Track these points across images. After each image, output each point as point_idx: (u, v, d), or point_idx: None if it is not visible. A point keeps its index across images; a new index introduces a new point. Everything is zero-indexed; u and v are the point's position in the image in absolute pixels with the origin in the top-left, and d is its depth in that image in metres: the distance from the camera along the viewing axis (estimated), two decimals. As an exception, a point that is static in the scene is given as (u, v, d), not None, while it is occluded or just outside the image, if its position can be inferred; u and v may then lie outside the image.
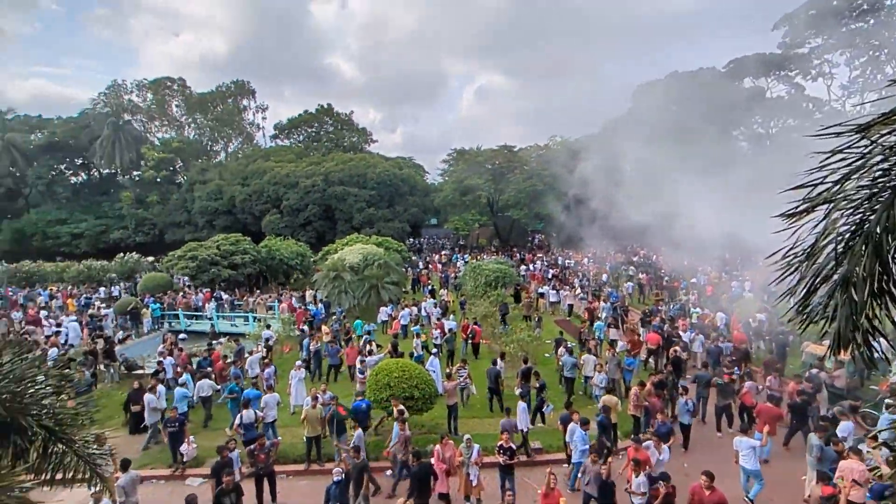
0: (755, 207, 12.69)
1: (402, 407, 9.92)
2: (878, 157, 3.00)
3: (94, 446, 4.10)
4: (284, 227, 38.90)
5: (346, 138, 58.75)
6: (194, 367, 13.91)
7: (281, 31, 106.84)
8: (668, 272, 26.17)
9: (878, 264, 2.96)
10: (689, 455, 10.30)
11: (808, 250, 3.28)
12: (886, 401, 9.69)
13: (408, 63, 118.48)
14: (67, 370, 11.93)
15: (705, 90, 33.35)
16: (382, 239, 29.68)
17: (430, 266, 34.82)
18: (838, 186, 3.10)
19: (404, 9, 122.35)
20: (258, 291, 26.07)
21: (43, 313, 21.52)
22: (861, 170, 3.03)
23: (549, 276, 27.83)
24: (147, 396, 11.41)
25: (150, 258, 35.71)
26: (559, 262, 32.92)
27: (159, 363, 14.26)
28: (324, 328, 17.24)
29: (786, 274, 3.42)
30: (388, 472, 9.83)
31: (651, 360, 14.91)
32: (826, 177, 3.15)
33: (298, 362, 13.61)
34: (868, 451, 7.54)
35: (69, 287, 28.74)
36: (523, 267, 30.77)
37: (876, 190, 3.01)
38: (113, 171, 50.66)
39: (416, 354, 14.55)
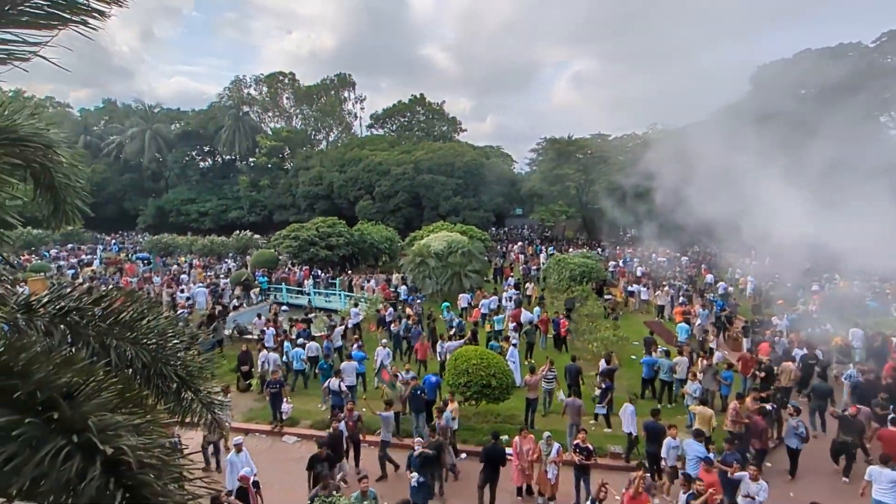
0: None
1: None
2: None
3: (218, 397, 4.78)
4: (376, 212, 40.93)
5: (436, 127, 59.92)
6: (294, 336, 15.40)
7: (381, 24, 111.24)
8: (781, 277, 23.14)
9: None
10: (796, 483, 9.21)
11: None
12: None
13: (501, 52, 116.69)
14: (197, 330, 13.90)
15: (847, 69, 28.66)
16: (467, 227, 30.01)
17: (511, 257, 34.50)
18: None
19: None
20: (350, 272, 27.89)
21: (184, 277, 25.17)
22: None
23: (640, 273, 26.19)
24: (271, 356, 13.20)
25: (257, 236, 39.80)
26: (653, 260, 30.77)
27: (262, 332, 15.99)
28: (408, 310, 18.02)
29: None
30: (464, 455, 10.09)
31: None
32: None
33: (384, 340, 14.43)
34: None
35: (198, 258, 33.10)
36: (612, 262, 29.26)
37: None
38: (232, 157, 56.96)
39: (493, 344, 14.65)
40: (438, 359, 13.71)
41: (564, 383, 12.24)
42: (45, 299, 4.01)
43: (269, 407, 11.69)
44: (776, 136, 20.27)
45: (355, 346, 14.15)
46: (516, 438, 8.70)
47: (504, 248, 38.25)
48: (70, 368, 2.79)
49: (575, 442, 8.61)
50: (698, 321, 17.08)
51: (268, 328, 16.05)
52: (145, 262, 31.16)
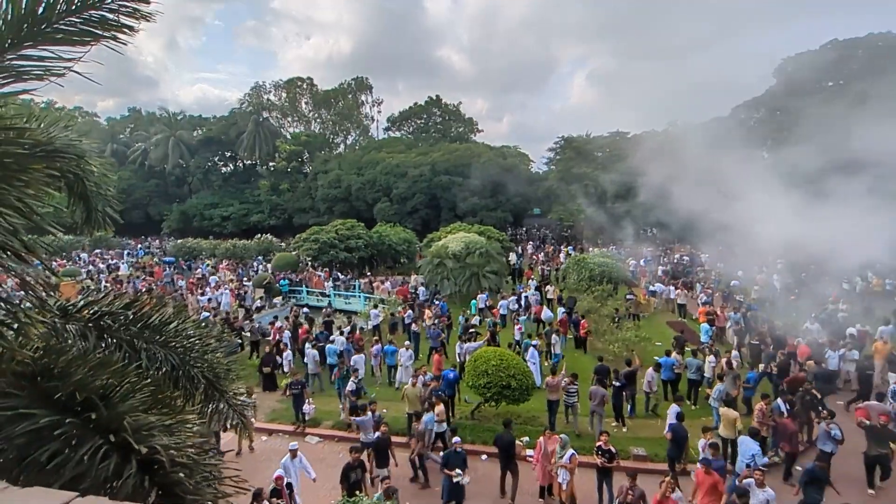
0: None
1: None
2: None
3: (243, 398, 4.89)
4: (394, 214, 41.17)
5: (452, 128, 59.96)
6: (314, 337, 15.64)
7: (397, 28, 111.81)
8: (809, 275, 22.38)
9: None
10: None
11: None
12: None
13: (517, 51, 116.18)
14: (223, 332, 14.22)
15: (879, 58, 27.63)
16: (484, 228, 29.97)
17: (528, 257, 34.26)
18: None
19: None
20: (369, 273, 28.12)
21: (213, 279, 25.88)
22: None
23: (661, 272, 25.73)
24: (310, 352, 13.66)
25: (277, 240, 40.45)
26: (678, 260, 30.21)
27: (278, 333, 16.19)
28: (427, 312, 18.07)
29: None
30: (484, 457, 10.07)
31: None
32: None
33: (407, 342, 14.53)
34: None
35: (224, 262, 33.79)
36: (632, 262, 28.81)
37: None
38: (253, 162, 58.05)
39: (522, 341, 14.57)
40: (458, 360, 13.72)
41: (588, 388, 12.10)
42: (80, 304, 4.17)
43: (292, 408, 11.89)
44: (804, 128, 19.70)
45: (375, 346, 14.33)
46: (540, 439, 8.65)
47: (520, 249, 38.03)
48: (105, 371, 2.91)
49: (597, 444, 8.51)
50: (728, 324, 16.59)
51: (283, 331, 16.23)
52: (170, 265, 32.02)
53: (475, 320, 17.20)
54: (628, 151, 40.01)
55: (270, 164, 55.65)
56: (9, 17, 2.68)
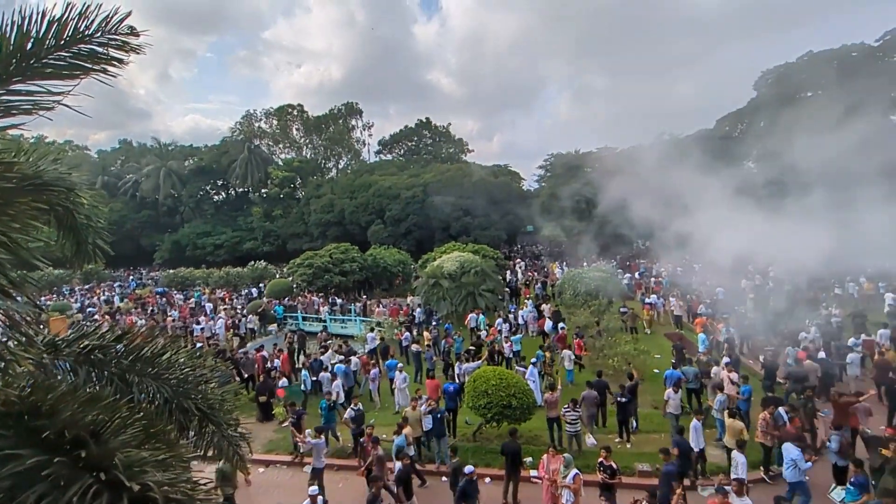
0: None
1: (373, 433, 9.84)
2: None
3: (237, 429, 4.77)
4: (387, 236, 41.22)
5: (443, 149, 60.76)
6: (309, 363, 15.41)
7: (387, 54, 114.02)
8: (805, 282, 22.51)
9: None
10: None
11: None
12: None
13: (505, 72, 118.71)
14: (216, 363, 13.95)
15: (853, 69, 28.51)
16: (479, 247, 30.03)
17: (523, 274, 34.24)
18: None
19: (501, 21, 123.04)
20: (364, 297, 27.94)
21: (208, 306, 25.63)
22: None
23: (653, 284, 25.88)
24: (323, 375, 13.63)
25: (271, 266, 40.18)
26: (669, 270, 30.33)
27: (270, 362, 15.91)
28: (425, 334, 17.93)
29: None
30: (488, 480, 9.86)
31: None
32: None
33: (399, 364, 14.37)
34: None
35: (218, 290, 33.46)
36: (627, 275, 28.90)
37: None
38: (245, 189, 58.19)
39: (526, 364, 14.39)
40: (457, 381, 13.51)
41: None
42: (70, 338, 4.09)
43: (290, 437, 11.61)
44: (786, 137, 20.11)
45: (374, 370, 14.16)
46: (544, 457, 8.49)
47: (514, 266, 38.03)
48: (95, 406, 2.83)
49: (599, 460, 8.38)
50: (722, 336, 16.50)
51: (275, 358, 15.96)
52: (162, 295, 31.65)
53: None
54: (616, 166, 40.61)
55: (263, 190, 55.80)
56: (-2, 53, 2.70)
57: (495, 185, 43.53)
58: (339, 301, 26.34)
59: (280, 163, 59.34)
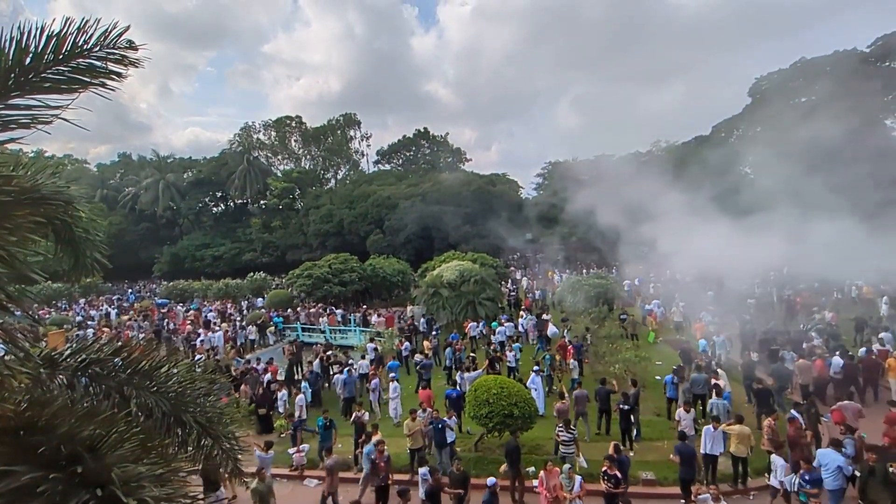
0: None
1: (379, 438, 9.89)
2: None
3: (238, 442, 4.72)
4: (386, 245, 41.21)
5: (441, 159, 61.04)
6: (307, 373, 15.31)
7: (385, 66, 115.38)
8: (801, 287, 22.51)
9: None
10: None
11: None
12: None
13: (502, 82, 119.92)
14: (215, 375, 13.84)
15: (846, 75, 28.79)
16: (478, 255, 30.00)
17: (523, 283, 34.20)
18: None
19: (498, 33, 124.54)
20: (364, 307, 27.83)
21: (210, 315, 25.54)
22: None
23: (651, 290, 25.87)
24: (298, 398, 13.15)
25: (270, 277, 40.09)
26: (667, 276, 30.31)
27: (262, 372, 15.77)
28: (426, 343, 17.85)
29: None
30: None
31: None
32: None
33: (392, 375, 14.40)
34: None
35: (217, 302, 33.31)
36: (626, 282, 28.88)
37: None
38: (244, 201, 58.31)
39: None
40: (459, 389, 13.41)
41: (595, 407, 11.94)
42: (67, 353, 4.05)
43: (289, 449, 11.48)
44: (785, 143, 20.25)
45: (374, 380, 14.06)
46: (542, 473, 8.39)
47: (517, 274, 38.04)
48: (92, 421, 2.79)
49: (603, 469, 8.29)
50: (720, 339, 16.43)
51: (267, 372, 15.77)
52: (162, 308, 31.52)
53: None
54: (612, 173, 40.79)
55: (262, 202, 55.93)
56: (-4, 68, 2.71)
57: (494, 193, 43.65)
58: (338, 311, 26.21)
59: (279, 174, 59.54)
